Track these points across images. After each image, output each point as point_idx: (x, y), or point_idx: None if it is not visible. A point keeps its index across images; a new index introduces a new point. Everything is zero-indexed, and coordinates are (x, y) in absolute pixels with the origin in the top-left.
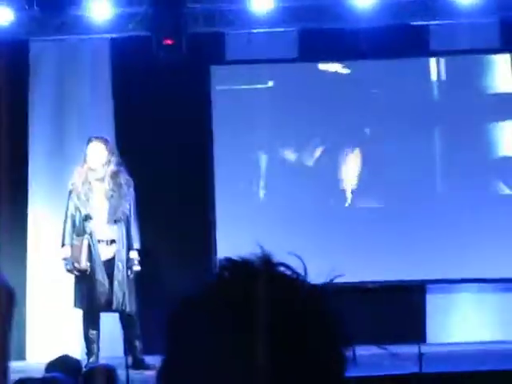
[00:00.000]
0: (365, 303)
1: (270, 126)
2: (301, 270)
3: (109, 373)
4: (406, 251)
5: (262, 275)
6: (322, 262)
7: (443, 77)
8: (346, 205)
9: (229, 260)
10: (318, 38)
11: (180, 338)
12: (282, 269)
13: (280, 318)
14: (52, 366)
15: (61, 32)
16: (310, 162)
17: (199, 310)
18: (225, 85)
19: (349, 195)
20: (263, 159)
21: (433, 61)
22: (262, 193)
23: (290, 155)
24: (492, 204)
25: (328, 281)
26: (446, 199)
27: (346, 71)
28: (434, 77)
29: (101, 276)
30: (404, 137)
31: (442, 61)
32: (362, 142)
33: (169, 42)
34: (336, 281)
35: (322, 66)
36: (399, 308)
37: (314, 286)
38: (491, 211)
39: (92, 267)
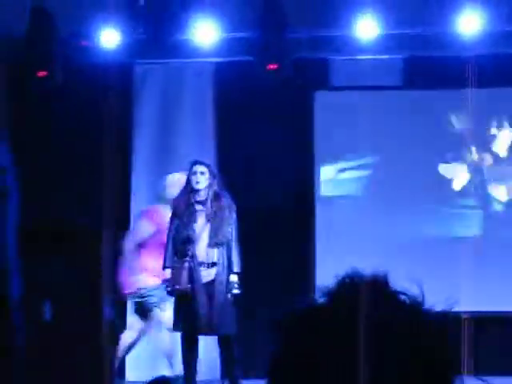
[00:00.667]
0: (459, 333)
1: (372, 154)
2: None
3: None
4: (502, 281)
5: (375, 296)
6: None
7: None
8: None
9: (341, 281)
10: (424, 65)
11: (288, 351)
12: (399, 295)
13: (398, 344)
14: None
15: (166, 55)
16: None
17: (313, 323)
18: (328, 111)
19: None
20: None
21: None
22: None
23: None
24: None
25: (447, 309)
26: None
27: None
28: None
29: (201, 298)
30: None
31: None
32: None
33: (273, 66)
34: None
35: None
36: (495, 339)
37: (437, 313)
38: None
39: (192, 289)
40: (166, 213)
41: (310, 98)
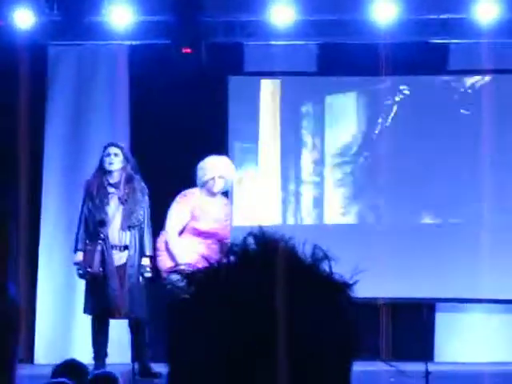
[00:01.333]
0: (375, 319)
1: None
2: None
3: (112, 381)
4: (417, 269)
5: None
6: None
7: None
8: (356, 222)
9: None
10: (337, 52)
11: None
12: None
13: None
14: (59, 370)
15: (80, 37)
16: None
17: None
18: (241, 95)
19: (368, 213)
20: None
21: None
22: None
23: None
24: (504, 224)
25: (352, 279)
26: (459, 219)
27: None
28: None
29: (113, 282)
30: (423, 153)
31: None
32: (374, 154)
33: (188, 50)
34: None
35: (341, 80)
36: (408, 325)
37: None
38: (505, 232)
39: (104, 273)
40: (199, 196)
41: (224, 82)
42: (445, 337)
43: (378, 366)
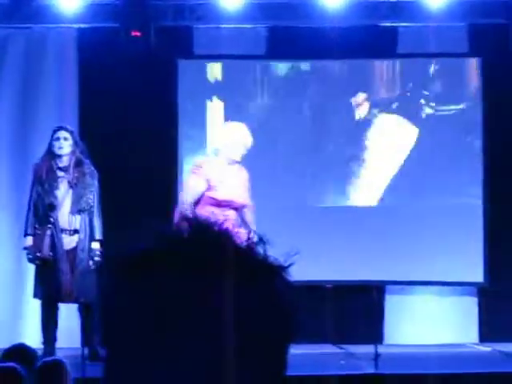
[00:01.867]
0: (323, 302)
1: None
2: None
3: (60, 368)
4: (366, 251)
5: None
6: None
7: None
8: (307, 203)
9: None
10: (287, 35)
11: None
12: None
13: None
14: (8, 354)
15: (28, 20)
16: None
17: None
18: (190, 78)
19: (310, 194)
20: None
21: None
22: None
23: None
24: (453, 209)
25: (287, 262)
26: (408, 203)
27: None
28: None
29: (63, 266)
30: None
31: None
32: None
33: (137, 33)
34: (297, 279)
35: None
36: (357, 308)
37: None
38: (453, 216)
39: (54, 257)
40: (215, 164)
41: (173, 65)
42: (394, 319)
43: (328, 349)
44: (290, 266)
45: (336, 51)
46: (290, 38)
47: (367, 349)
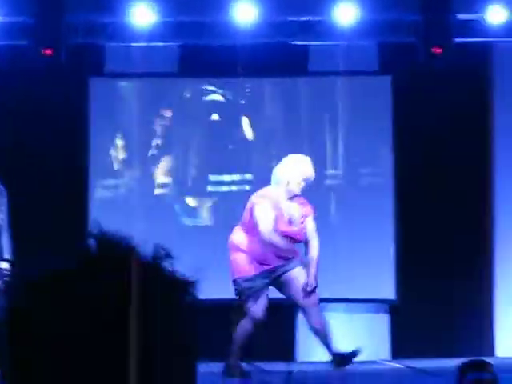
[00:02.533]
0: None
1: (141, 138)
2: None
3: None
4: None
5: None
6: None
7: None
8: (209, 223)
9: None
10: (198, 53)
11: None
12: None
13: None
14: None
15: None
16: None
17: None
18: (101, 96)
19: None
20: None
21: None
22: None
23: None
24: (364, 227)
25: (193, 277)
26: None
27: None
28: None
29: None
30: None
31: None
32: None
33: (48, 51)
34: (209, 297)
35: (200, 82)
36: (270, 325)
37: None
38: (364, 234)
39: None
40: (277, 196)
41: (84, 83)
42: (307, 337)
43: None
44: (196, 281)
45: (246, 69)
46: (201, 55)
47: (279, 367)
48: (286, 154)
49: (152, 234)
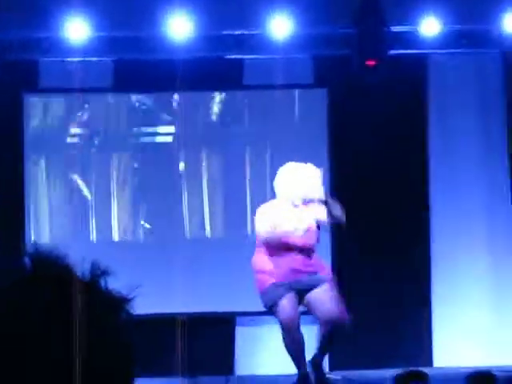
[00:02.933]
0: (173, 335)
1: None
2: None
3: None
4: (216, 283)
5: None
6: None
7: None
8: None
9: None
10: (133, 68)
11: None
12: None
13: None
14: None
15: None
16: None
17: None
18: (37, 112)
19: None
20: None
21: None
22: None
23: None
24: None
25: (127, 295)
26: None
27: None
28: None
29: None
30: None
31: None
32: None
33: None
34: (146, 312)
35: (135, 97)
36: (208, 340)
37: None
38: None
39: None
40: (279, 207)
41: (18, 99)
42: (245, 350)
43: (179, 382)
44: (132, 298)
45: (182, 83)
46: (136, 70)
47: (218, 381)
48: (225, 164)
49: (87, 250)
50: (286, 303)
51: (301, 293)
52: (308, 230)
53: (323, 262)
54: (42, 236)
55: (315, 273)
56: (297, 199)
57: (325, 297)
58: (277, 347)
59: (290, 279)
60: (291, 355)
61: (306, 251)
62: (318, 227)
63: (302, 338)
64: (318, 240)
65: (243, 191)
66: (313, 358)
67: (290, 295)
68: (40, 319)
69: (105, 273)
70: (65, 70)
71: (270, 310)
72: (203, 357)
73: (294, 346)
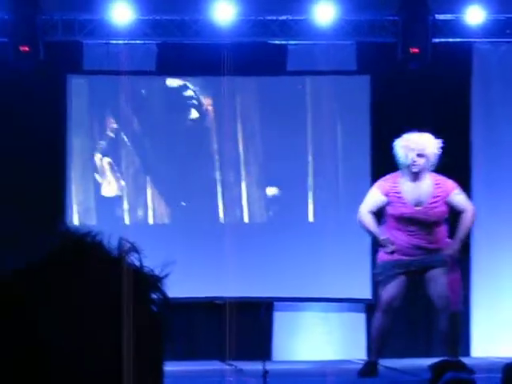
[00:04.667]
0: (212, 319)
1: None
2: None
3: None
4: (254, 268)
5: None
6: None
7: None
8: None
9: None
10: (177, 52)
11: None
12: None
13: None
14: None
15: None
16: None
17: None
18: (80, 94)
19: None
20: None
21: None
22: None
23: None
24: (341, 226)
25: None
26: (295, 219)
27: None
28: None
29: None
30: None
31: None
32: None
33: (25, 48)
34: (186, 296)
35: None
36: (246, 325)
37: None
38: (341, 233)
39: None
40: (397, 179)
41: (63, 81)
42: (283, 336)
43: (216, 366)
44: (165, 277)
45: (226, 68)
46: (180, 54)
47: (256, 365)
48: (265, 151)
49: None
50: (391, 287)
51: (418, 271)
52: (430, 203)
53: (448, 239)
54: (81, 217)
55: (438, 250)
56: (413, 168)
57: (440, 281)
58: (314, 333)
59: (410, 255)
60: (372, 338)
61: (428, 226)
62: (445, 202)
63: (389, 326)
64: (444, 214)
65: (281, 176)
66: (446, 361)
67: (400, 279)
68: (67, 294)
69: (133, 249)
70: (109, 53)
71: (377, 284)
72: (241, 342)
73: (377, 330)
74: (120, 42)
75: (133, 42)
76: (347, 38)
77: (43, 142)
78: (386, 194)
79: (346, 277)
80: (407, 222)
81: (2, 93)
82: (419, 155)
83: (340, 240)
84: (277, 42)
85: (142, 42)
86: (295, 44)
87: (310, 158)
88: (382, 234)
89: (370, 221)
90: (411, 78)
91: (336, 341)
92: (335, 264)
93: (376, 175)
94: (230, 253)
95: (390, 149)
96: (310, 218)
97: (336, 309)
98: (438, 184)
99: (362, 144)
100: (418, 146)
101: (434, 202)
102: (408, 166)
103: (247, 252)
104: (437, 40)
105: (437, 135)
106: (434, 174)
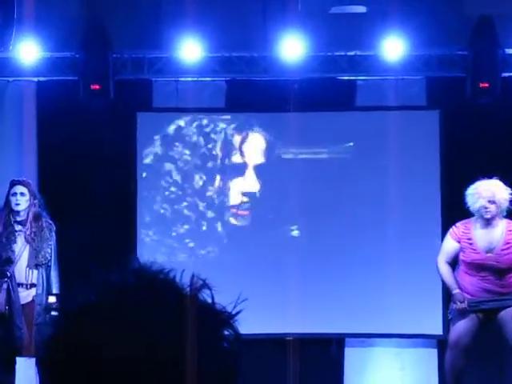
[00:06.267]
0: (284, 355)
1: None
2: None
3: None
4: (325, 304)
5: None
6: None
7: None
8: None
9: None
10: (246, 88)
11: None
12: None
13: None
14: None
15: None
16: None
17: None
18: (151, 131)
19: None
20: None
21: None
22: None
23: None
24: (412, 261)
25: (233, 309)
26: (367, 254)
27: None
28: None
29: (18, 320)
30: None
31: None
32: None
33: (96, 87)
34: (255, 332)
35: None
36: (317, 361)
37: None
38: (412, 268)
39: (10, 311)
40: (469, 225)
41: (132, 119)
42: (354, 372)
43: None
44: (237, 314)
45: (294, 104)
46: (248, 90)
47: None
48: (337, 188)
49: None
50: (459, 325)
51: (489, 312)
52: (502, 250)
53: None
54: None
55: (508, 293)
56: (485, 214)
57: (509, 323)
58: (386, 369)
59: (481, 298)
60: (445, 379)
61: (499, 272)
62: None
63: (460, 365)
64: None
65: (344, 209)
66: None
67: (469, 317)
68: (141, 330)
69: (205, 285)
70: (178, 90)
71: (449, 321)
72: (312, 378)
73: (448, 370)
74: (189, 79)
75: (202, 78)
76: (416, 73)
77: (113, 180)
78: (459, 241)
79: (417, 312)
80: (478, 268)
81: (72, 131)
82: (490, 201)
83: (411, 275)
84: (345, 77)
85: (212, 78)
86: (364, 79)
87: (379, 194)
88: (456, 277)
89: (445, 271)
90: (481, 113)
91: (408, 376)
92: (407, 299)
93: (447, 209)
94: (301, 288)
95: (458, 183)
96: (382, 253)
97: (408, 344)
98: (511, 230)
99: (432, 178)
100: (488, 193)
101: (505, 249)
102: (479, 212)
103: (319, 287)
104: (506, 74)
105: (506, 171)
106: (506, 221)
